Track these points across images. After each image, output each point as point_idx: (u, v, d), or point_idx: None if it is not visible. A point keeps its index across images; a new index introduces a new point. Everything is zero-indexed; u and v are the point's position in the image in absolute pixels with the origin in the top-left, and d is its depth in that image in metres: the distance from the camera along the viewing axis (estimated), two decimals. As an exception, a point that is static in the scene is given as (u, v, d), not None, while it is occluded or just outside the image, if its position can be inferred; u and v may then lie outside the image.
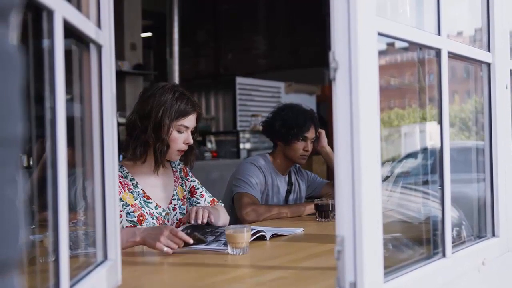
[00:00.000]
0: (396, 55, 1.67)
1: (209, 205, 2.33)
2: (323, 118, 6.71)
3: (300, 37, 9.16)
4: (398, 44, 1.49)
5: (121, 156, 2.25)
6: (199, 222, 2.04)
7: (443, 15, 1.48)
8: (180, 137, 2.15)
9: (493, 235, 1.77)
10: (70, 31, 1.06)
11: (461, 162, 1.89)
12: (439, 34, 1.48)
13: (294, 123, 2.80)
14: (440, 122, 1.48)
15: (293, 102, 3.04)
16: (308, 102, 6.93)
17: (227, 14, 9.98)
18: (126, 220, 2.07)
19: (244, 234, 1.76)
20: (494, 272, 1.74)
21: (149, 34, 9.02)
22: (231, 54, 10.05)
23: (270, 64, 9.53)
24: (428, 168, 1.77)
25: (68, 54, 1.04)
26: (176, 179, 2.31)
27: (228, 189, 2.86)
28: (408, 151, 2.03)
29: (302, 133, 2.80)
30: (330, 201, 2.54)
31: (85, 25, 1.17)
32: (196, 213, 2.07)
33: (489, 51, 1.77)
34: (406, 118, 1.80)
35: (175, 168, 2.33)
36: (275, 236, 2.10)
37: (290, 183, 2.96)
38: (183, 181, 2.33)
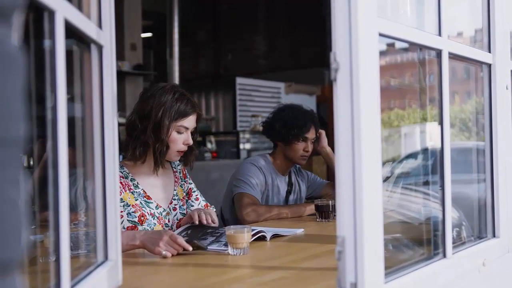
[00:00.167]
0: (396, 55, 1.68)
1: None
2: (323, 118, 6.71)
3: (300, 37, 9.15)
4: (398, 45, 1.49)
5: (121, 156, 2.25)
6: (204, 222, 2.05)
7: (443, 15, 1.48)
8: (180, 138, 2.15)
9: (494, 235, 1.77)
10: (71, 32, 1.06)
11: (461, 162, 1.89)
12: (439, 34, 1.48)
13: (294, 123, 2.80)
14: (441, 123, 1.48)
15: (293, 103, 3.03)
16: (308, 102, 6.93)
17: (227, 14, 9.97)
18: (127, 220, 2.07)
19: (245, 235, 1.77)
20: (495, 273, 1.74)
21: (149, 34, 9.01)
22: (231, 55, 10.04)
23: (270, 65, 9.52)
24: (428, 168, 1.77)
25: (69, 54, 1.04)
26: (176, 179, 2.31)
27: (228, 189, 2.86)
28: (408, 151, 2.03)
29: (302, 133, 2.80)
30: (330, 201, 2.55)
31: (86, 26, 1.17)
32: (199, 214, 2.08)
33: (489, 51, 1.77)
34: (406, 118, 1.80)
35: (175, 168, 2.33)
36: (275, 236, 2.10)
37: (290, 184, 2.96)
38: (183, 182, 2.33)
